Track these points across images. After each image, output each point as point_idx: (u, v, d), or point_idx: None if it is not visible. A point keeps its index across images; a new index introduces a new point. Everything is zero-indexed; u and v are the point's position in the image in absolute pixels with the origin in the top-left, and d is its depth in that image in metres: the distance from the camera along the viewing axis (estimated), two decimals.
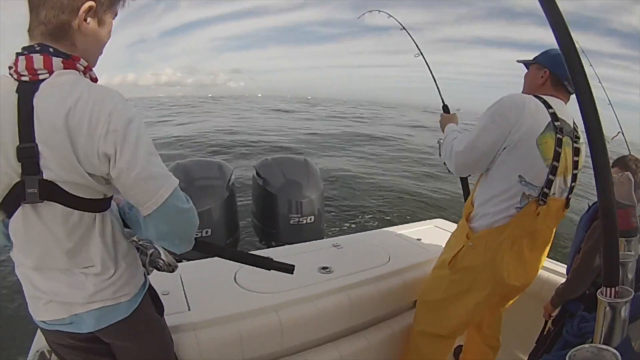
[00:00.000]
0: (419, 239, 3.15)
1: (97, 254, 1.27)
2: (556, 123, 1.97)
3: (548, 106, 2.01)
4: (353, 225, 7.32)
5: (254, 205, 4.12)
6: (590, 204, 2.29)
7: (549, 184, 1.98)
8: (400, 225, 3.53)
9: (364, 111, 48.55)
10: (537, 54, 2.21)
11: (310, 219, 3.81)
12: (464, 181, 2.82)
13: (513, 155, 1.99)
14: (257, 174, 4.02)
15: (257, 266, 1.71)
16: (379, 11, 3.42)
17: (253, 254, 1.75)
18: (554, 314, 2.34)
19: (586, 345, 0.96)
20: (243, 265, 2.40)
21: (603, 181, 0.92)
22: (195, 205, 3.30)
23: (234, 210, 3.79)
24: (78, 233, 1.22)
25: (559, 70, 2.06)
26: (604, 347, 0.94)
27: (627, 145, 3.05)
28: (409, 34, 3.15)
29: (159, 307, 1.61)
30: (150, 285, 1.54)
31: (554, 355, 1.23)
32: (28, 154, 1.08)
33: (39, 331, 1.66)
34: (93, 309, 1.30)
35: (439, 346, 2.44)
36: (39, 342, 1.70)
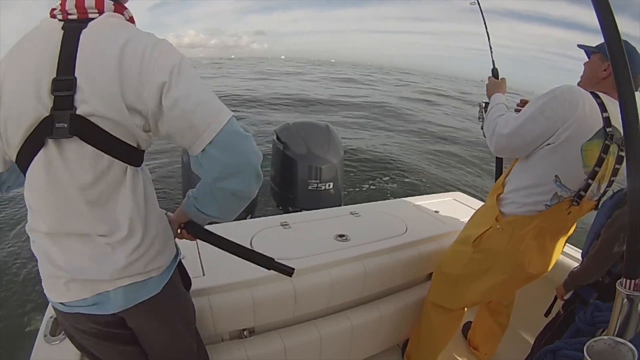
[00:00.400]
0: (436, 211, 3.12)
1: (125, 211, 1.15)
2: (608, 129, 1.86)
3: (603, 109, 1.88)
4: (372, 194, 7.27)
5: (272, 169, 4.10)
6: (615, 191, 2.24)
7: (586, 187, 1.94)
8: (418, 197, 3.50)
9: (388, 77, 47.71)
10: (567, 30, 2.19)
11: (329, 186, 3.79)
12: (499, 161, 2.74)
13: (555, 154, 1.92)
14: (278, 138, 3.99)
15: (257, 264, 1.65)
16: None
17: (255, 252, 1.69)
18: (566, 297, 2.32)
19: (604, 337, 0.94)
20: (260, 230, 2.43)
21: (634, 170, 0.85)
22: None
23: None
24: (105, 182, 1.11)
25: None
26: (621, 340, 0.92)
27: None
28: None
29: (186, 281, 1.54)
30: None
31: (566, 342, 1.20)
32: (64, 86, 1.02)
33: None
34: (121, 285, 1.19)
35: (449, 318, 2.46)
36: (52, 309, 1.66)
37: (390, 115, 17.31)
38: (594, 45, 2.05)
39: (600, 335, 1.46)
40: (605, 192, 2.04)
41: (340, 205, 3.47)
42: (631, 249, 0.92)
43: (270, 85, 24.57)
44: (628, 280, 0.93)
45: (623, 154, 1.90)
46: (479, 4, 2.82)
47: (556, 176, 1.94)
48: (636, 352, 0.88)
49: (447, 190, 3.85)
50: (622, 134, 1.77)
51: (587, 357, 0.92)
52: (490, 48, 2.81)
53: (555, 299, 2.36)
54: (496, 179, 2.48)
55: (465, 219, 2.88)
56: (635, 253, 0.92)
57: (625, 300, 0.94)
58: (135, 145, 1.14)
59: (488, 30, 2.85)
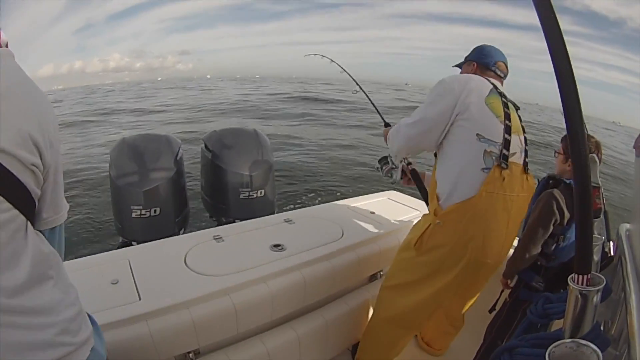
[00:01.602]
0: (372, 212, 3.14)
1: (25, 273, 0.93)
2: (498, 90, 2.14)
3: (490, 81, 2.17)
4: (305, 198, 7.28)
5: (203, 180, 4.01)
6: (543, 177, 2.40)
7: (506, 143, 2.02)
8: (353, 198, 3.52)
9: (312, 87, 47.89)
10: (488, 28, 2.50)
11: (261, 193, 3.74)
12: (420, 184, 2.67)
13: (468, 116, 2.04)
14: (206, 146, 3.89)
15: None
16: None
17: None
18: (511, 284, 2.41)
19: (566, 341, 0.94)
20: (194, 245, 2.39)
21: (579, 160, 0.86)
22: (143, 182, 3.19)
23: (183, 186, 3.68)
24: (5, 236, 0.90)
25: (485, 60, 2.31)
26: (584, 342, 0.92)
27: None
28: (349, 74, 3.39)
29: None
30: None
31: (522, 339, 1.20)
32: None
33: None
34: None
35: (400, 335, 2.44)
36: None
37: (315, 122, 17.40)
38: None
39: (553, 327, 1.48)
40: (526, 151, 2.13)
41: (273, 212, 3.46)
42: (581, 244, 0.92)
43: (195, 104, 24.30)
44: (579, 276, 0.94)
45: (519, 114, 2.19)
46: (362, 90, 3.30)
47: (477, 134, 2.03)
48: (600, 354, 0.89)
49: (383, 189, 3.89)
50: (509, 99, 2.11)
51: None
52: (376, 108, 3.13)
53: (501, 293, 2.47)
54: (424, 199, 2.55)
55: (402, 218, 2.94)
56: (584, 248, 0.92)
57: (579, 296, 0.95)
58: (32, 194, 0.99)
59: (370, 98, 3.26)
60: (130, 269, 2.13)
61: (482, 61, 2.32)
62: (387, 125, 2.78)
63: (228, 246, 2.44)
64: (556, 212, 2.20)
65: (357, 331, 2.71)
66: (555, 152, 2.44)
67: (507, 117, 2.06)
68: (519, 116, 2.19)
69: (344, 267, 2.50)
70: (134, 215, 3.27)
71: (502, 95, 2.13)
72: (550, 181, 2.38)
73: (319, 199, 7.56)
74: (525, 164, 2.11)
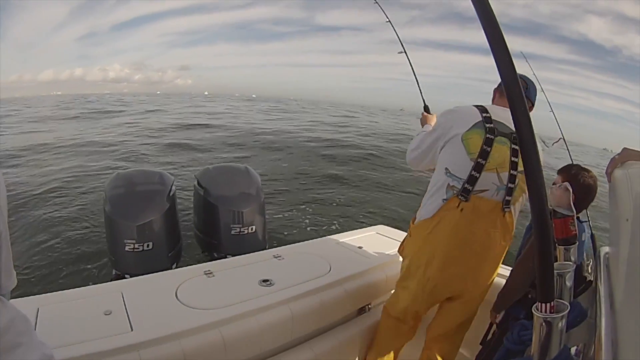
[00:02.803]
0: (360, 247, 3.18)
1: None
2: (487, 124, 2.17)
3: (484, 110, 2.22)
4: (295, 233, 7.30)
5: (195, 216, 4.10)
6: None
7: (471, 179, 2.14)
8: (341, 234, 3.55)
9: (309, 111, 48.03)
10: (485, 56, 2.45)
11: (252, 229, 3.82)
12: None
13: (445, 151, 2.24)
14: (199, 183, 3.99)
15: None
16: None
17: None
18: (498, 320, 2.46)
19: None
20: (185, 280, 2.44)
21: (535, 190, 0.86)
22: (136, 217, 3.27)
23: (176, 222, 3.76)
24: None
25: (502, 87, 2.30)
26: None
27: (567, 149, 3.20)
28: (392, 27, 3.34)
29: None
30: None
31: None
32: None
33: None
34: None
35: (397, 327, 2.59)
36: None
37: (305, 150, 17.42)
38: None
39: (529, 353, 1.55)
40: (510, 189, 2.16)
41: (264, 248, 3.52)
42: (542, 272, 0.92)
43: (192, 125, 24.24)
44: (543, 304, 0.95)
45: (517, 148, 2.14)
46: (405, 53, 3.22)
47: (446, 168, 2.21)
48: None
49: (374, 222, 3.97)
50: (511, 130, 2.11)
51: None
52: (420, 88, 3.13)
53: (491, 325, 2.52)
54: None
55: (390, 252, 3.01)
56: (546, 276, 0.93)
57: (543, 324, 0.96)
58: None
59: (416, 74, 3.25)
60: (123, 300, 2.16)
61: (502, 84, 2.38)
62: (426, 109, 2.93)
63: (218, 281, 2.49)
64: None
65: None
66: (553, 184, 2.46)
67: (483, 155, 2.13)
68: (516, 149, 2.17)
69: (332, 301, 2.54)
70: (127, 249, 3.34)
71: (488, 130, 2.15)
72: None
73: (310, 232, 7.59)
74: (505, 201, 2.16)
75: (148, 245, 3.39)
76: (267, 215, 4.27)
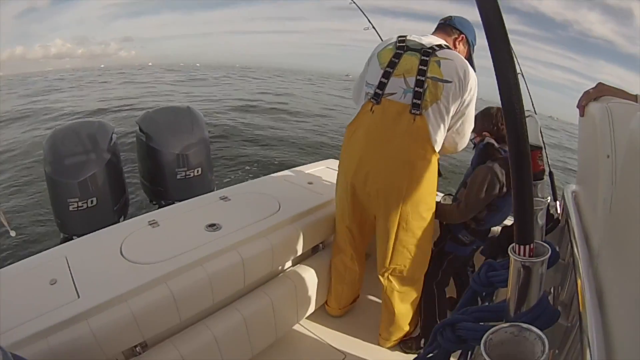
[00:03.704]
0: (310, 183, 3.13)
1: None
2: (399, 43, 2.39)
3: (402, 36, 2.45)
4: (243, 173, 7.15)
5: (140, 164, 3.92)
6: (476, 143, 2.51)
7: (380, 85, 2.31)
8: (290, 170, 3.49)
9: (252, 76, 46.40)
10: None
11: (198, 172, 3.71)
12: None
13: (366, 70, 2.49)
14: (140, 129, 3.79)
15: None
16: None
17: None
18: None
19: (504, 325, 0.82)
20: (129, 234, 2.35)
21: (515, 125, 0.77)
22: (77, 173, 3.10)
23: (120, 173, 3.59)
24: None
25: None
26: (526, 326, 0.80)
27: (539, 126, 3.21)
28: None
29: None
30: None
31: (464, 312, 1.12)
32: None
33: None
34: None
35: (342, 261, 2.74)
36: None
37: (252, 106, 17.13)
38: None
39: (499, 296, 1.42)
40: (418, 92, 2.25)
41: (213, 190, 3.41)
42: (520, 212, 0.83)
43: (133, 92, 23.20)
44: (521, 246, 0.85)
45: (426, 58, 2.29)
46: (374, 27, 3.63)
47: (365, 81, 2.45)
48: (546, 341, 0.77)
49: (324, 157, 3.87)
50: (424, 47, 2.33)
51: (485, 356, 0.79)
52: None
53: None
54: None
55: None
56: (524, 217, 0.84)
57: (522, 268, 0.86)
58: None
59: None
60: (68, 265, 2.08)
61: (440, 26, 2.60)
62: None
63: (163, 231, 2.40)
64: (496, 186, 2.35)
65: (305, 306, 2.72)
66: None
67: (391, 64, 2.34)
68: (424, 60, 2.30)
69: (283, 241, 2.48)
70: (71, 208, 3.19)
71: (398, 47, 2.38)
72: (486, 152, 2.47)
73: (259, 171, 7.46)
74: (414, 105, 2.25)
75: (92, 202, 3.25)
76: (214, 156, 4.13)
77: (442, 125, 2.27)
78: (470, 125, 2.43)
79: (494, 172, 2.35)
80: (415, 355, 2.64)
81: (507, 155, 2.31)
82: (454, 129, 2.39)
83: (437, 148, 2.30)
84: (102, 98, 20.32)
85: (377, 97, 2.32)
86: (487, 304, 1.40)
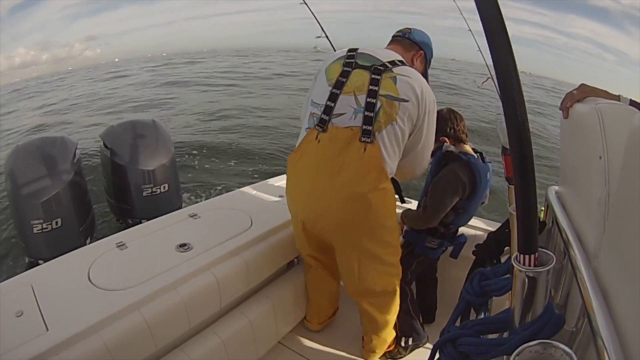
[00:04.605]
0: (281, 196, 3.02)
1: None
2: (348, 59, 2.17)
3: (352, 50, 2.24)
4: (212, 190, 6.97)
5: (105, 181, 3.83)
6: (434, 149, 2.42)
7: (327, 110, 2.09)
8: (259, 183, 3.40)
9: (221, 61, 45.45)
10: None
11: (164, 188, 3.63)
12: None
13: (313, 86, 2.26)
14: (104, 144, 3.70)
15: None
16: None
17: None
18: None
19: (531, 344, 0.78)
20: (96, 257, 2.23)
21: (517, 131, 0.74)
22: (40, 192, 2.99)
23: (84, 190, 3.50)
24: None
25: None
26: (553, 343, 0.76)
27: (495, 86, 3.23)
28: None
29: None
30: None
31: (463, 326, 1.11)
32: None
33: None
34: None
35: (314, 273, 2.62)
36: None
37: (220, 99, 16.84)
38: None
39: (493, 305, 1.39)
40: (369, 118, 2.05)
41: (181, 207, 3.34)
42: (524, 219, 0.80)
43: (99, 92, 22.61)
44: (524, 256, 0.82)
45: (377, 77, 2.08)
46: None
47: (311, 100, 2.19)
48: (574, 356, 0.73)
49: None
50: (376, 63, 2.11)
51: None
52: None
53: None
54: None
55: None
56: (528, 224, 0.80)
57: (526, 279, 0.83)
58: None
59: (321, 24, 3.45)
60: (34, 295, 1.95)
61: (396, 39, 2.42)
62: None
63: (132, 253, 2.30)
64: (459, 189, 2.34)
65: (285, 323, 2.66)
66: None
67: (338, 85, 2.11)
68: (375, 79, 2.10)
69: (258, 258, 2.42)
70: (35, 231, 3.10)
71: (346, 63, 2.17)
72: (446, 157, 2.46)
73: (228, 186, 7.29)
74: (364, 131, 2.05)
75: (57, 223, 3.16)
76: (180, 172, 4.06)
77: (397, 150, 2.12)
78: (429, 149, 2.29)
79: (456, 174, 2.33)
80: (402, 358, 2.65)
81: (468, 159, 2.34)
82: (411, 154, 2.25)
83: (392, 174, 2.15)
84: (68, 104, 19.70)
85: (322, 124, 2.09)
86: (483, 314, 1.37)
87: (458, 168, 2.35)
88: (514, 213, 1.12)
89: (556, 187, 1.77)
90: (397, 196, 2.55)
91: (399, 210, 2.47)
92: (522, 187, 0.77)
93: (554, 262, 0.83)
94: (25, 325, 1.76)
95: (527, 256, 0.81)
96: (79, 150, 3.54)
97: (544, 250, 0.84)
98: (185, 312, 2.04)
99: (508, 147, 1.54)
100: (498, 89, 0.75)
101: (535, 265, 0.82)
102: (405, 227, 2.65)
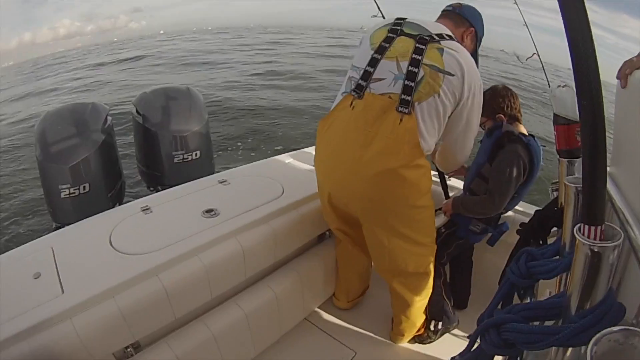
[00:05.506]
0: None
1: None
2: (394, 27, 2.07)
3: (401, 19, 2.12)
4: (244, 156, 6.92)
5: (136, 148, 3.74)
6: (491, 127, 2.34)
7: (365, 75, 1.99)
8: (294, 152, 3.31)
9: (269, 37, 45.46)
10: None
11: (196, 155, 3.52)
12: None
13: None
14: (137, 110, 3.60)
15: None
16: None
17: None
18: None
19: (615, 329, 0.65)
20: (120, 221, 2.16)
21: (590, 98, 0.65)
22: (68, 157, 2.92)
23: (115, 157, 3.42)
24: None
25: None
26: (636, 330, 0.65)
27: (542, 65, 3.17)
28: None
29: None
30: None
31: (509, 310, 0.99)
32: None
33: None
34: None
35: (345, 249, 2.54)
36: None
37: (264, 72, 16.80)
38: None
39: (538, 290, 1.29)
40: (409, 87, 1.90)
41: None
42: (590, 187, 0.71)
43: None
44: (588, 227, 0.73)
45: (421, 47, 1.95)
46: None
47: (352, 64, 2.14)
48: None
49: None
50: (421, 33, 1.99)
51: None
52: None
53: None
54: None
55: None
56: (595, 193, 0.71)
57: (589, 253, 0.74)
58: None
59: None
60: (54, 257, 1.92)
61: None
62: None
63: (156, 217, 2.23)
64: (522, 172, 2.22)
65: (312, 299, 2.59)
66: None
67: (380, 50, 2.01)
68: (419, 48, 1.96)
69: (287, 228, 2.31)
70: (62, 195, 3.01)
71: (391, 30, 2.06)
72: (507, 137, 2.29)
73: (261, 154, 7.22)
74: (403, 101, 1.90)
75: (84, 188, 3.06)
76: (214, 138, 3.95)
77: (436, 126, 1.96)
78: (472, 134, 2.15)
79: (520, 156, 2.20)
80: (432, 342, 2.55)
81: (528, 142, 2.18)
82: (452, 138, 2.12)
83: (428, 152, 1.99)
84: (110, 74, 19.95)
85: (359, 90, 1.98)
86: (528, 299, 1.23)
87: (520, 147, 2.21)
88: (571, 185, 1.09)
89: (608, 168, 1.60)
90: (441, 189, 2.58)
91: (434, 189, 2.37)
92: (592, 151, 0.69)
93: (621, 238, 0.73)
94: (41, 287, 1.72)
95: (592, 228, 0.73)
96: (110, 117, 3.43)
97: (611, 225, 0.75)
98: (207, 280, 1.95)
99: (564, 115, 1.43)
100: (570, 51, 0.66)
101: (601, 240, 0.73)
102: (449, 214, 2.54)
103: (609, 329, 0.64)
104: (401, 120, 1.88)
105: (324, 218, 2.40)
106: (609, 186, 1.38)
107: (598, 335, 0.64)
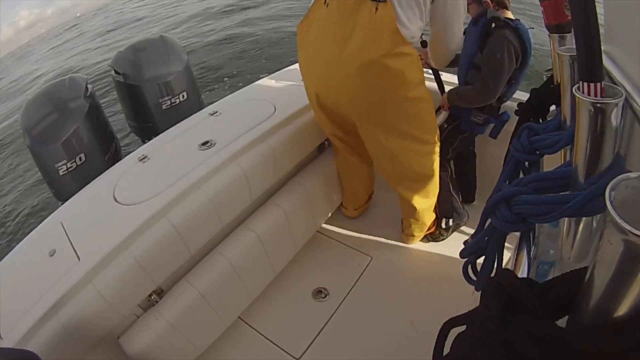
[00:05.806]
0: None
1: None
2: None
3: None
4: (231, 89, 6.77)
5: (123, 107, 3.67)
6: (475, 17, 2.23)
7: None
8: (279, 72, 3.23)
9: None
10: None
11: (183, 96, 3.44)
12: None
13: None
14: (115, 71, 3.51)
15: None
16: None
17: None
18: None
19: (633, 175, 0.55)
20: (120, 176, 2.14)
21: None
22: (58, 134, 2.85)
23: (103, 121, 3.36)
24: None
25: None
26: None
27: None
28: None
29: None
30: None
31: (518, 183, 0.92)
32: None
33: None
34: None
35: (343, 156, 2.49)
36: None
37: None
38: None
39: (542, 166, 1.21)
40: None
41: None
42: (586, 42, 0.65)
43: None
44: (588, 85, 0.68)
45: None
46: None
47: None
48: None
49: None
50: None
51: (611, 210, 0.52)
52: None
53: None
54: None
55: None
56: (591, 47, 0.66)
57: (592, 110, 0.68)
58: None
59: None
60: (65, 230, 1.91)
61: None
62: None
63: (155, 163, 2.20)
64: (514, 57, 2.13)
65: (321, 211, 2.59)
66: None
67: None
68: None
69: (284, 143, 2.27)
70: (61, 172, 2.98)
71: None
72: (493, 23, 2.17)
73: (247, 83, 7.13)
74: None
75: (81, 159, 3.02)
76: (198, 76, 3.83)
77: (416, 11, 1.84)
78: (460, 17, 2.03)
79: (509, 41, 2.10)
80: (444, 239, 2.59)
81: (516, 26, 2.05)
82: (439, 23, 2.01)
83: (412, 39, 1.90)
84: (82, 47, 19.60)
85: None
86: None
87: (508, 32, 2.10)
88: (565, 54, 1.04)
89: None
90: (436, 85, 2.49)
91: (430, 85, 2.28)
92: (583, 8, 0.64)
93: (623, 97, 0.68)
94: (59, 262, 1.72)
95: (591, 85, 0.68)
96: (90, 85, 3.36)
97: (609, 84, 0.70)
98: (214, 210, 1.93)
99: None
100: None
101: (602, 96, 0.68)
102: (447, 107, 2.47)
103: (625, 175, 0.55)
104: (377, 9, 1.79)
105: (318, 125, 2.38)
106: (606, 63, 1.30)
107: (615, 180, 0.55)
